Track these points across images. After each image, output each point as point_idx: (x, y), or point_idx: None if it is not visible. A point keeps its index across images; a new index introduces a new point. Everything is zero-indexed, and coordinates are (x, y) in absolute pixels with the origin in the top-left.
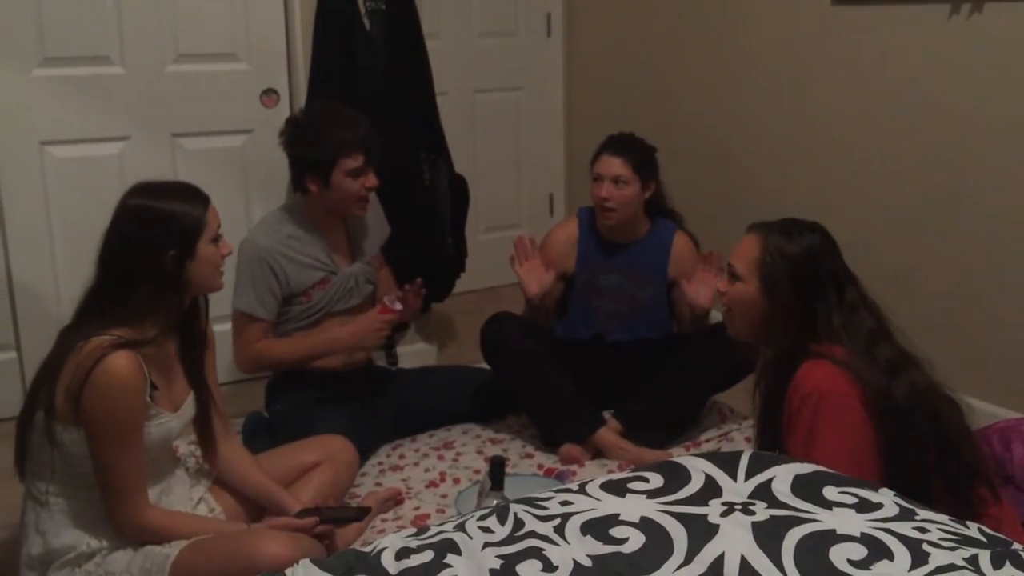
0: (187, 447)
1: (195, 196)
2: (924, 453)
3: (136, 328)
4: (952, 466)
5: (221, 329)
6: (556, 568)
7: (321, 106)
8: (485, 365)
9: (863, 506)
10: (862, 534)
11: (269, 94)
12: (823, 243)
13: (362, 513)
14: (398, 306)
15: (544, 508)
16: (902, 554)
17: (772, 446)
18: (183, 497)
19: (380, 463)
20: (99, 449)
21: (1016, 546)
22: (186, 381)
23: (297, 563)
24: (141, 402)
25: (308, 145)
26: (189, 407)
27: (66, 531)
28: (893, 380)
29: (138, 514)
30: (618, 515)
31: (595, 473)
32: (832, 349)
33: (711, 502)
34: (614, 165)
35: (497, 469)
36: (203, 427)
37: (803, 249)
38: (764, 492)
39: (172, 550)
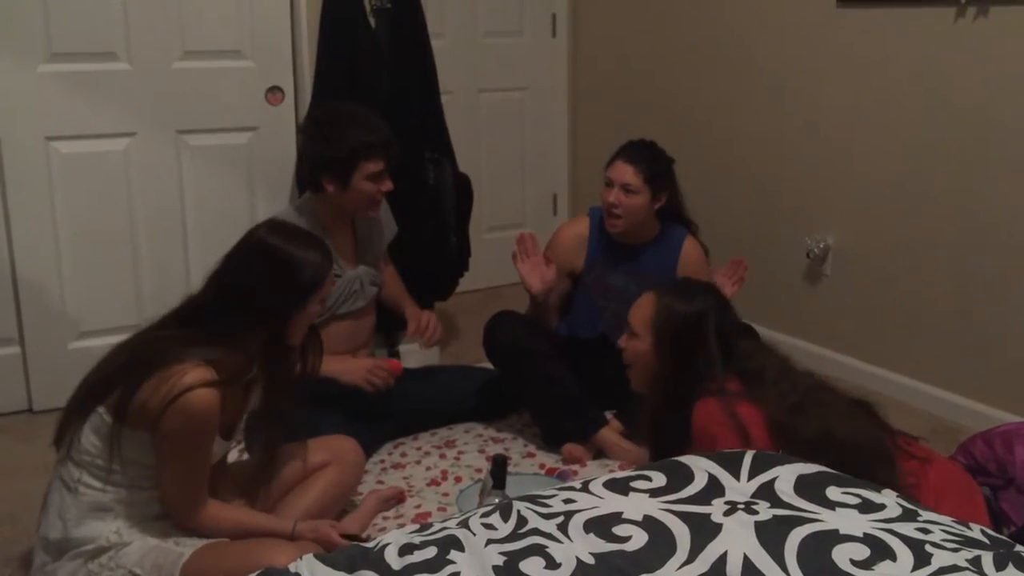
0: None
1: (325, 251)
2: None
3: (228, 356)
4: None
5: None
6: (559, 565)
7: (344, 106)
8: (488, 364)
9: (866, 507)
10: (865, 534)
11: (274, 92)
12: (715, 304)
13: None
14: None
15: (547, 506)
16: (905, 555)
17: None
18: None
19: (382, 461)
20: (167, 461)
21: (1019, 547)
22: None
23: (300, 558)
24: (214, 432)
25: (331, 145)
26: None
27: (88, 522)
28: (799, 418)
29: (197, 510)
30: (621, 513)
31: (597, 473)
32: (723, 384)
33: (714, 501)
34: (626, 173)
35: (499, 468)
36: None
37: (693, 309)
38: (767, 492)
39: (186, 550)
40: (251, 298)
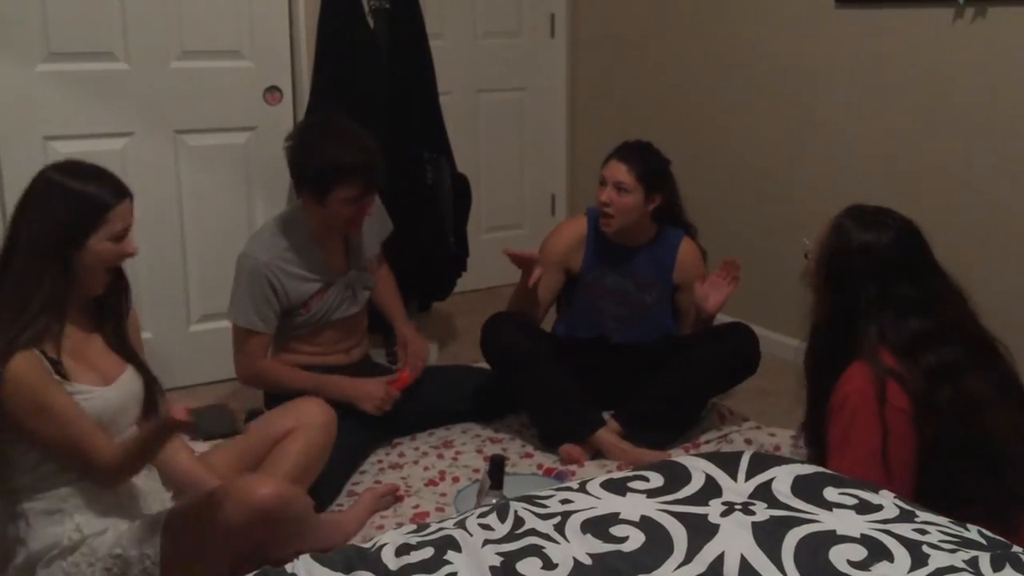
0: None
1: (112, 185)
2: (959, 466)
3: (28, 309)
4: (991, 481)
5: (218, 327)
6: (556, 566)
7: (335, 120)
8: (485, 364)
9: (863, 507)
10: (862, 535)
11: (272, 91)
12: (889, 240)
13: (233, 427)
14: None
15: (544, 506)
16: (902, 555)
17: (816, 428)
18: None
19: (380, 461)
20: (39, 438)
21: (1016, 548)
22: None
23: (297, 558)
24: (49, 385)
25: (309, 161)
26: (129, 381)
27: (43, 531)
28: (936, 388)
29: (106, 462)
30: (618, 514)
31: (594, 473)
32: (882, 352)
33: (711, 502)
34: (619, 171)
35: (497, 468)
36: (146, 401)
37: (857, 238)
38: (764, 492)
39: (161, 515)
40: (31, 239)
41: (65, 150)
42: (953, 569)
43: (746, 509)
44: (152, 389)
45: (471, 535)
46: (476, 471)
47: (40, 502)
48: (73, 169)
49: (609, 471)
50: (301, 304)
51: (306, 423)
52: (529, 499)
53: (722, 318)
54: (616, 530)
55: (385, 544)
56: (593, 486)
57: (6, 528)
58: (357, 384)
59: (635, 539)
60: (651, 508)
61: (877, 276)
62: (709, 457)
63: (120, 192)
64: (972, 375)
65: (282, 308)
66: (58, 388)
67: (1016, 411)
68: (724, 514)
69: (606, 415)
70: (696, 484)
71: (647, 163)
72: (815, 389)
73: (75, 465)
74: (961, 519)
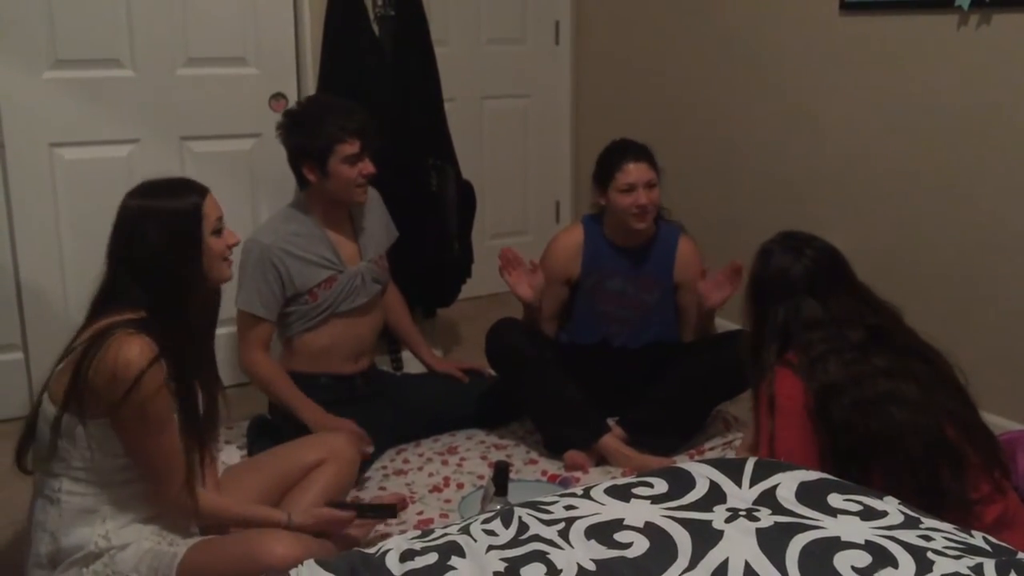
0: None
1: (189, 190)
2: (873, 465)
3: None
4: (907, 479)
5: (222, 332)
6: (560, 572)
7: (316, 97)
8: (490, 371)
9: (868, 514)
10: (867, 541)
11: (278, 98)
12: (802, 268)
13: (394, 509)
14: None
15: (548, 512)
16: (907, 562)
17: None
18: None
19: (384, 467)
20: (139, 440)
21: (1021, 555)
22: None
23: (302, 564)
24: (170, 400)
25: (305, 134)
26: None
27: (76, 530)
28: (831, 401)
29: (188, 497)
30: (622, 520)
31: (599, 480)
32: (779, 352)
33: (715, 508)
34: (644, 171)
35: (501, 474)
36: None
37: (771, 266)
38: (769, 499)
39: (179, 549)
40: (147, 264)
41: (71, 157)
42: (958, 575)
43: (750, 515)
44: (213, 409)
45: (475, 541)
46: (480, 477)
47: (79, 497)
48: (146, 191)
49: (613, 477)
50: (307, 291)
51: (336, 456)
52: (533, 505)
53: (726, 325)
54: (620, 536)
55: (389, 550)
56: (597, 492)
57: (36, 510)
58: (330, 421)
59: (639, 545)
60: (655, 514)
61: (789, 300)
62: (713, 463)
63: (198, 189)
64: (881, 382)
65: (288, 294)
66: (171, 405)
67: (937, 412)
68: (728, 520)
69: (610, 421)
70: (700, 490)
71: (652, 155)
72: (754, 395)
73: (151, 479)
74: None
